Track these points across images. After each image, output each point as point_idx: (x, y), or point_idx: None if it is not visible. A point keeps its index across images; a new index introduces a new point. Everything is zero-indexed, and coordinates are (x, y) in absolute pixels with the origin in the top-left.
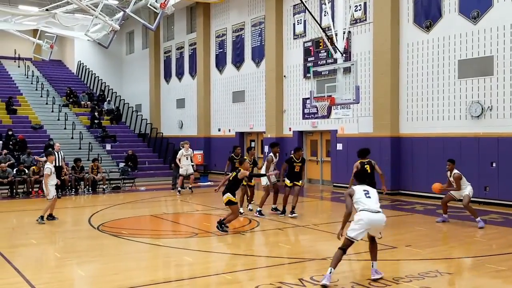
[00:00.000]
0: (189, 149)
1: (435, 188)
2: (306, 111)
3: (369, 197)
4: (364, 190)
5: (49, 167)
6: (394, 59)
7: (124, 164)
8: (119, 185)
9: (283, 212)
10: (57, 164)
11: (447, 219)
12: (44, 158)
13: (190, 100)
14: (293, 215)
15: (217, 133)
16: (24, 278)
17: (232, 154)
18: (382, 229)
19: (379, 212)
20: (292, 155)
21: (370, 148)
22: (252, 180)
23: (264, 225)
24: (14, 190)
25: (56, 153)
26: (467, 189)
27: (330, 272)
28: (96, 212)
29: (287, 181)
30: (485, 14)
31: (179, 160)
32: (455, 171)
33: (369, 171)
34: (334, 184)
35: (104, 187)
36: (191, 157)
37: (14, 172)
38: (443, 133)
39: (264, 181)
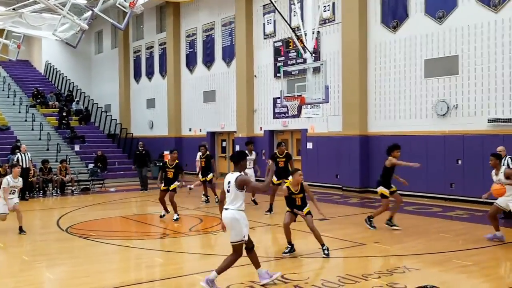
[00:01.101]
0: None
1: (497, 191)
2: (276, 110)
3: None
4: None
5: (7, 181)
6: (362, 59)
7: (93, 165)
8: (88, 186)
9: (270, 210)
10: (24, 166)
11: (502, 237)
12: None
13: (160, 100)
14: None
15: (188, 133)
16: None
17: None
18: (232, 228)
19: (227, 209)
20: (275, 151)
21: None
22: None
23: None
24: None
25: (22, 155)
26: None
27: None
28: (65, 214)
29: (274, 179)
30: (450, 15)
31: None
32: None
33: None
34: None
35: (73, 188)
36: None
37: None
38: (410, 131)
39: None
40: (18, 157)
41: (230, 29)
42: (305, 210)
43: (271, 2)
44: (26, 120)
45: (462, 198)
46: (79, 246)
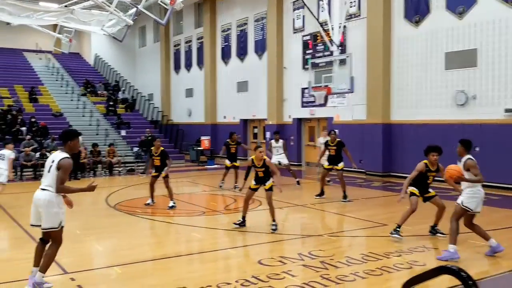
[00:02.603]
0: (280, 140)
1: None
2: (304, 99)
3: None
4: None
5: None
6: (386, 51)
7: (138, 148)
8: (133, 167)
9: (321, 194)
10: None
11: (498, 248)
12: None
13: (198, 90)
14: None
15: (223, 120)
16: None
17: (228, 140)
18: (43, 211)
19: (44, 190)
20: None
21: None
22: (237, 161)
23: (266, 205)
24: (37, 172)
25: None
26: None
27: None
28: (113, 192)
29: (326, 164)
30: (470, 10)
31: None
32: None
33: None
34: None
35: (120, 169)
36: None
37: (37, 155)
38: (430, 120)
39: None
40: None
41: (262, 24)
42: (268, 184)
43: None
44: (77, 108)
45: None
46: (125, 222)
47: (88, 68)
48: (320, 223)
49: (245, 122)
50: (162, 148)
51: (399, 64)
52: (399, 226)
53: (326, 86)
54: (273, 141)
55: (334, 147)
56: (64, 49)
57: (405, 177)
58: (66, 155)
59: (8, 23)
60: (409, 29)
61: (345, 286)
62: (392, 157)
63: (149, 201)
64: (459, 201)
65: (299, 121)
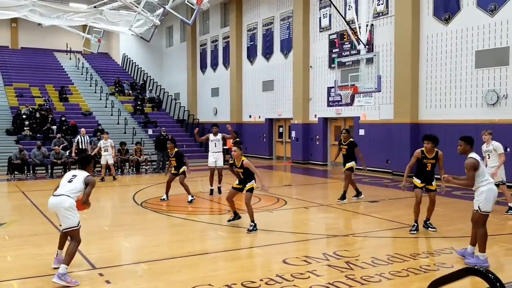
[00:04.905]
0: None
1: None
2: (330, 99)
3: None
4: None
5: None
6: (414, 50)
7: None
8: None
9: (343, 198)
10: (81, 147)
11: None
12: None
13: (223, 89)
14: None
15: (248, 119)
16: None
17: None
18: (60, 214)
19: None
20: (340, 138)
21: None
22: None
23: (291, 204)
24: (68, 170)
25: (81, 137)
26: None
27: None
28: (140, 190)
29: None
30: (501, 7)
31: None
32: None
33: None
34: (356, 167)
35: (147, 167)
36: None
37: (67, 154)
38: (460, 119)
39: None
40: (78, 139)
41: (288, 23)
42: (248, 185)
43: None
44: (106, 107)
45: (510, 184)
46: (151, 219)
47: (117, 68)
48: (345, 223)
49: (270, 121)
50: (176, 150)
51: (428, 63)
52: (416, 221)
53: (353, 85)
54: (211, 135)
55: (346, 146)
56: (93, 49)
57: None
58: (88, 173)
59: (39, 24)
60: (439, 27)
61: (370, 287)
62: None
63: (164, 196)
64: (475, 207)
65: (325, 120)
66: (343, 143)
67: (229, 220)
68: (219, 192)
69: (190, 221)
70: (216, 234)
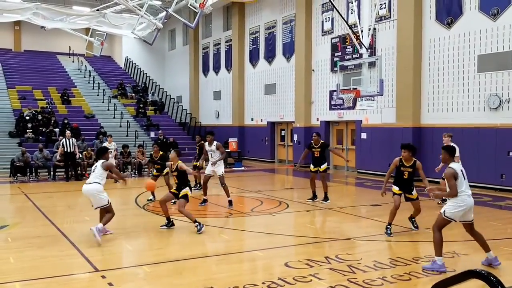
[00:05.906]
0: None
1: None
2: (332, 102)
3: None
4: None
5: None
6: (417, 54)
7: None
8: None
9: (313, 198)
10: (68, 150)
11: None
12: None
13: (226, 92)
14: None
15: (250, 123)
16: (79, 251)
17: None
18: (93, 199)
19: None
20: (311, 141)
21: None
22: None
23: (293, 207)
24: (71, 173)
25: (68, 140)
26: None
27: None
28: (142, 193)
29: (311, 167)
30: (504, 11)
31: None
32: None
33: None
34: (358, 170)
35: (149, 170)
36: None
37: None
38: (462, 123)
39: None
40: (63, 142)
41: (290, 26)
42: (182, 192)
43: (330, 1)
44: (108, 110)
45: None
46: (153, 222)
47: (119, 71)
48: (348, 226)
49: (272, 124)
50: (161, 153)
51: (430, 67)
52: (389, 224)
53: (355, 89)
54: (206, 144)
55: (318, 149)
56: (96, 52)
57: (435, 182)
58: (104, 160)
59: (42, 27)
60: (441, 31)
61: None
62: (423, 161)
63: (151, 197)
64: (442, 210)
65: (327, 123)
66: (315, 146)
67: (162, 226)
68: (230, 204)
69: (192, 224)
70: (218, 237)
